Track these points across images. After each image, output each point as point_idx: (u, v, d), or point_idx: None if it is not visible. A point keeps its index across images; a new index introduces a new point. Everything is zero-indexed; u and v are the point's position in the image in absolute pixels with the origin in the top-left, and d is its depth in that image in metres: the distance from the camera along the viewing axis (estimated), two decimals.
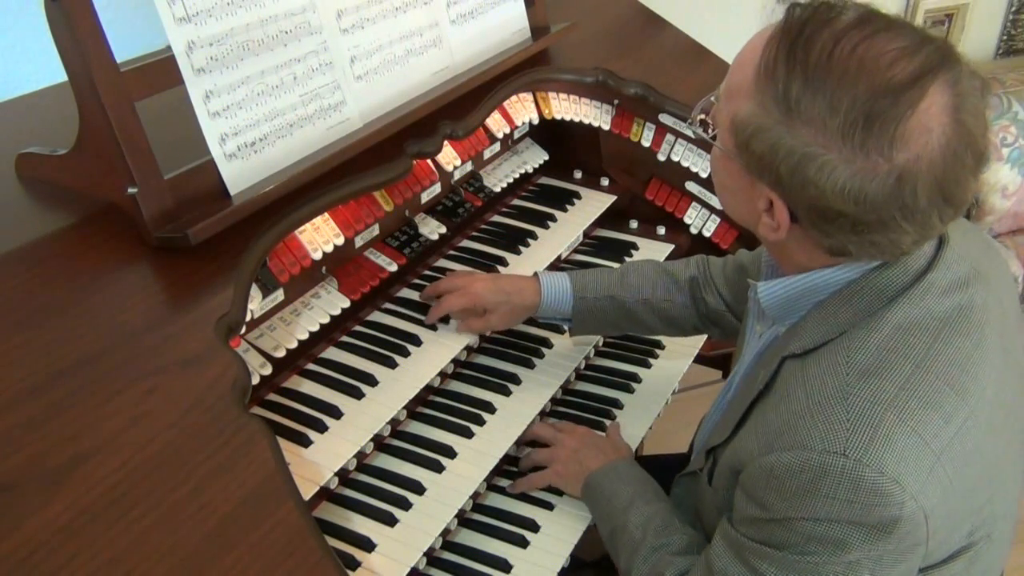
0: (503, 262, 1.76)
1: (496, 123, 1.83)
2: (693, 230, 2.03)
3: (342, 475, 1.34)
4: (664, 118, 1.95)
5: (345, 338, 1.53)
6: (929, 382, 1.01)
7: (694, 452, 1.47)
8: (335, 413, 1.36)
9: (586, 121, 1.95)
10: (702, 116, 1.16)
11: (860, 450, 0.97)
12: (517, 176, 1.97)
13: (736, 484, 1.12)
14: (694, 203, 2.03)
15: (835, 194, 0.97)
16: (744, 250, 1.63)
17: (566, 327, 1.65)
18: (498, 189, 1.91)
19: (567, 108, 1.92)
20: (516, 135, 2.02)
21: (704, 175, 1.97)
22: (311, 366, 1.47)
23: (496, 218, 1.92)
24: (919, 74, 0.95)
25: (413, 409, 1.51)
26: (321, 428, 1.33)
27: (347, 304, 1.50)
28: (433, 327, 1.56)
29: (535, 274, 1.61)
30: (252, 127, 1.31)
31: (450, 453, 1.43)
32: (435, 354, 1.52)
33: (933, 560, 1.07)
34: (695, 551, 1.26)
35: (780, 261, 1.17)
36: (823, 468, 0.98)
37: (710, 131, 1.14)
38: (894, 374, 1.01)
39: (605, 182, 2.07)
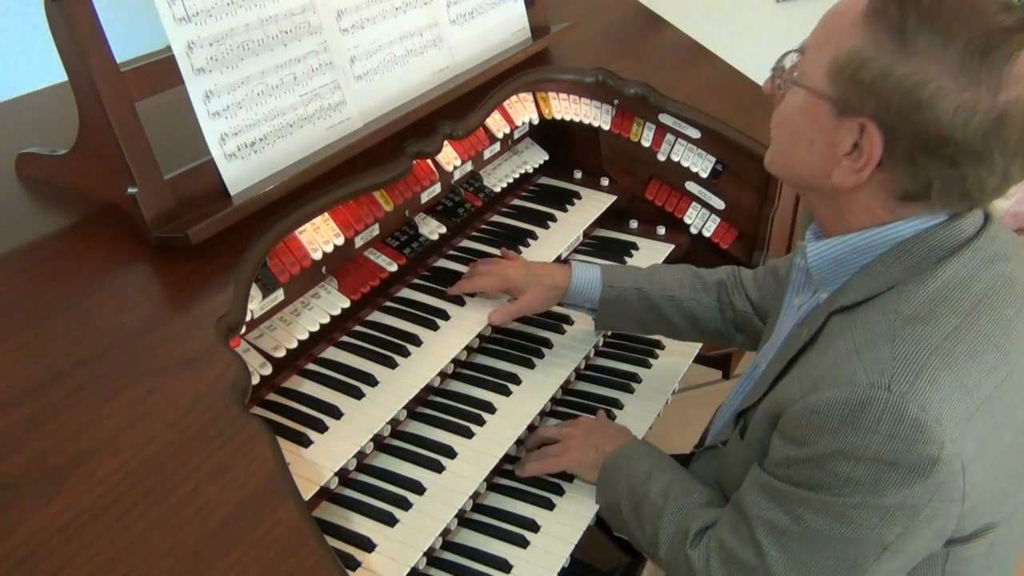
0: None
1: (496, 123, 1.83)
2: (693, 230, 2.03)
3: (342, 475, 1.34)
4: (664, 118, 1.95)
5: (345, 338, 1.53)
6: (974, 335, 1.04)
7: (710, 436, 1.47)
8: (335, 413, 1.36)
9: (586, 121, 1.95)
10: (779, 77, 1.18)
11: (905, 385, 1.00)
12: (517, 176, 1.97)
13: (772, 432, 1.14)
14: (694, 203, 2.03)
15: (947, 118, 0.99)
16: (773, 259, 1.65)
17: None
18: (498, 189, 1.91)
19: (567, 108, 1.93)
20: (516, 135, 2.02)
21: (704, 175, 1.97)
22: (311, 366, 1.47)
23: (496, 218, 1.92)
24: (1021, 24, 1.00)
25: (413, 409, 1.51)
26: (321, 428, 1.33)
27: (347, 304, 1.50)
28: (434, 326, 1.57)
29: (568, 262, 1.65)
30: (252, 127, 1.31)
31: (450, 453, 1.43)
32: (435, 354, 1.52)
33: (961, 532, 1.09)
34: (718, 505, 1.28)
35: (832, 223, 1.17)
36: (867, 401, 1.00)
37: (780, 87, 1.16)
38: (941, 323, 1.04)
39: (605, 182, 2.07)
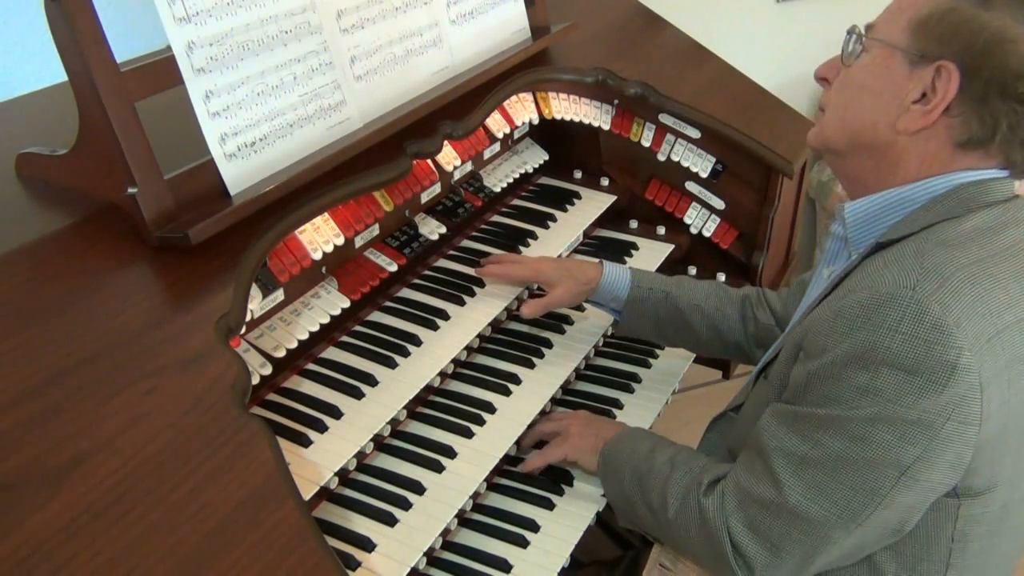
0: None
1: (496, 123, 1.83)
2: (693, 230, 2.03)
3: (342, 475, 1.34)
4: (664, 118, 1.95)
5: (345, 338, 1.53)
6: (999, 269, 1.09)
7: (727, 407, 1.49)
8: (335, 413, 1.36)
9: (586, 121, 1.95)
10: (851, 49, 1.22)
11: (930, 288, 1.03)
12: (517, 176, 1.97)
13: (795, 361, 1.17)
14: (694, 203, 2.03)
15: None
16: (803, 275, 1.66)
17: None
18: (498, 189, 1.91)
19: (567, 108, 1.92)
20: (516, 135, 2.02)
21: (704, 175, 1.97)
22: (311, 366, 1.47)
23: (496, 218, 1.92)
24: None
25: (413, 409, 1.51)
26: (321, 428, 1.33)
27: (347, 304, 1.50)
28: (434, 326, 1.57)
29: (600, 260, 1.68)
30: (252, 127, 1.31)
31: (450, 453, 1.43)
32: (435, 354, 1.52)
33: (972, 480, 1.10)
34: (726, 463, 1.30)
35: (876, 179, 1.20)
36: (891, 297, 1.04)
37: (847, 61, 1.21)
38: (970, 252, 1.09)
39: (605, 182, 2.07)
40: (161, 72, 1.21)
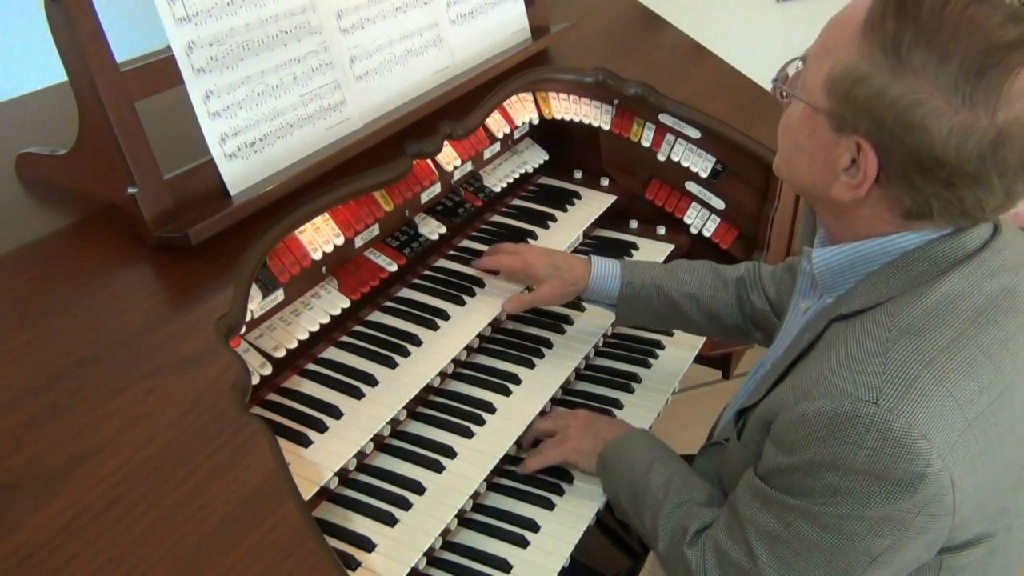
0: None
1: (496, 123, 1.83)
2: (693, 230, 2.03)
3: (342, 475, 1.34)
4: (664, 118, 1.95)
5: (345, 338, 1.53)
6: (970, 350, 1.03)
7: (716, 432, 1.48)
8: (335, 413, 1.36)
9: (586, 121, 1.95)
10: (782, 85, 1.17)
11: (893, 401, 0.99)
12: (517, 176, 1.97)
13: (766, 437, 1.14)
14: (694, 203, 2.03)
15: (940, 141, 0.98)
16: (792, 258, 1.65)
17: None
18: (498, 189, 1.91)
19: (567, 108, 1.92)
20: (516, 135, 2.02)
21: (704, 175, 1.97)
22: (311, 366, 1.47)
23: (496, 218, 1.92)
24: (1022, 39, 0.97)
25: (413, 409, 1.51)
26: (321, 428, 1.33)
27: (347, 304, 1.50)
28: (434, 326, 1.57)
29: (589, 256, 1.66)
30: (252, 127, 1.32)
31: (450, 453, 1.43)
32: (435, 354, 1.52)
33: (954, 541, 1.08)
34: (716, 504, 1.29)
35: (838, 231, 1.17)
36: (853, 415, 1.00)
37: (784, 96, 1.15)
38: (936, 337, 1.03)
39: (605, 182, 2.07)
40: (161, 72, 1.21)
